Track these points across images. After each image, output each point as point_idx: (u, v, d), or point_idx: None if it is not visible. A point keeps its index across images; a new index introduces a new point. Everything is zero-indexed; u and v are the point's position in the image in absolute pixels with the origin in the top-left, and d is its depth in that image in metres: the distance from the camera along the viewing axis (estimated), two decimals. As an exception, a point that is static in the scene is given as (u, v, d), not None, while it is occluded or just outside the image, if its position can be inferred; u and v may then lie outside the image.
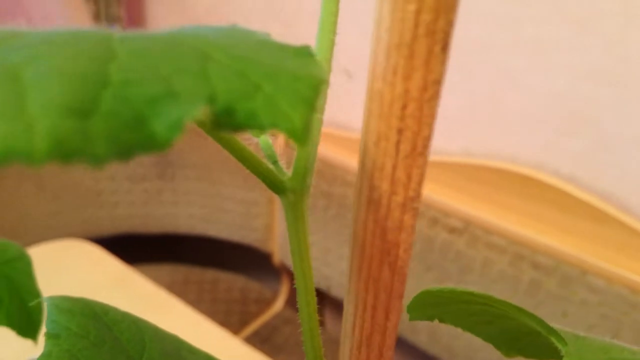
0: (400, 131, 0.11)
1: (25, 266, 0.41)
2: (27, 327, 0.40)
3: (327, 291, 1.07)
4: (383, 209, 0.12)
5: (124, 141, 0.07)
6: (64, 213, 1.08)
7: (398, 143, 0.11)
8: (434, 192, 0.94)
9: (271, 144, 0.16)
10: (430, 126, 0.11)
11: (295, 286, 0.17)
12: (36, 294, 0.42)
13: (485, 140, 0.92)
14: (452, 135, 0.95)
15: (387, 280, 0.13)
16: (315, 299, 0.16)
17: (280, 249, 1.11)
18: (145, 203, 1.15)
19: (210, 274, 1.17)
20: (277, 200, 1.10)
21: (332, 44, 0.14)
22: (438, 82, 0.10)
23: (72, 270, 0.82)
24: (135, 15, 1.25)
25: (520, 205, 0.87)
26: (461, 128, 0.94)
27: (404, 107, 0.11)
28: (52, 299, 0.23)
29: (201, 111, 0.08)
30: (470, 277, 0.91)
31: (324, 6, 0.14)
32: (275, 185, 0.15)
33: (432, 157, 0.96)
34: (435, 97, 0.10)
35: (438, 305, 0.22)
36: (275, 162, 0.16)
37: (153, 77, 0.08)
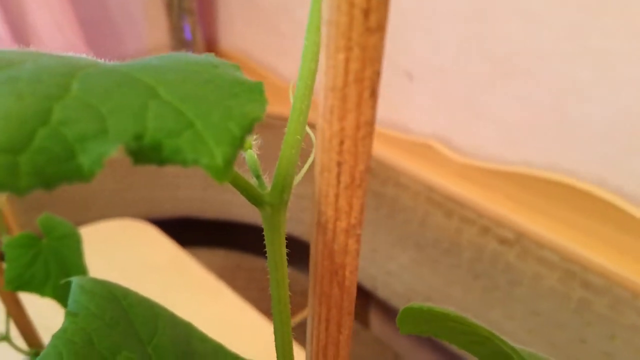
0: (339, 164, 0.12)
1: (74, 243, 0.45)
2: (72, 300, 0.43)
3: (373, 291, 1.08)
4: (329, 233, 0.13)
5: (49, 174, 0.08)
6: (127, 192, 1.14)
7: (338, 175, 0.12)
8: (488, 200, 0.92)
9: (256, 159, 0.17)
10: (365, 161, 0.12)
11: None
12: (83, 270, 0.45)
13: (546, 151, 0.89)
14: (513, 144, 0.93)
15: (337, 297, 0.14)
16: (288, 308, 0.17)
17: (329, 245, 1.12)
18: (205, 188, 1.20)
19: (260, 263, 1.20)
20: (329, 196, 1.11)
21: (313, 73, 0.15)
22: (369, 124, 0.11)
23: (128, 249, 0.87)
24: (207, 7, 1.30)
25: (577, 221, 0.84)
26: (523, 137, 0.92)
27: (341, 143, 0.11)
28: (79, 279, 0.26)
29: (120, 147, 0.09)
30: (518, 290, 0.89)
31: (308, 37, 0.15)
32: (254, 198, 0.17)
33: (490, 164, 0.94)
34: (367, 136, 0.11)
35: (430, 321, 0.23)
36: (258, 176, 0.18)
37: (92, 115, 0.09)
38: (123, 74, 0.11)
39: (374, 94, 0.11)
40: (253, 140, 0.17)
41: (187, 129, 0.10)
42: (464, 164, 0.97)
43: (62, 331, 0.22)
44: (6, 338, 0.44)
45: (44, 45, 1.05)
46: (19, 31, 1.03)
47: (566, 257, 0.82)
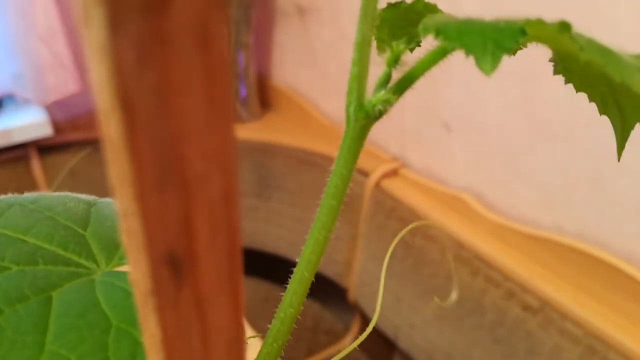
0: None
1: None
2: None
3: (395, 341, 1.07)
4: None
5: None
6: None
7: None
8: (516, 262, 0.90)
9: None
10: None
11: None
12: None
13: (579, 219, 0.87)
14: (546, 207, 0.91)
15: None
16: None
17: (355, 288, 1.12)
18: (244, 219, 1.23)
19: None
20: (359, 238, 1.12)
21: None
22: (158, 337, 0.12)
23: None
24: (262, 43, 1.34)
25: (604, 295, 0.81)
26: (558, 202, 0.89)
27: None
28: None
29: None
30: (537, 360, 0.86)
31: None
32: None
33: (522, 226, 0.92)
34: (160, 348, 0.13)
35: None
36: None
37: None
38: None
39: (157, 310, 0.12)
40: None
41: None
42: (495, 222, 0.96)
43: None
44: None
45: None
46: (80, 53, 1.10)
47: (590, 333, 0.79)
